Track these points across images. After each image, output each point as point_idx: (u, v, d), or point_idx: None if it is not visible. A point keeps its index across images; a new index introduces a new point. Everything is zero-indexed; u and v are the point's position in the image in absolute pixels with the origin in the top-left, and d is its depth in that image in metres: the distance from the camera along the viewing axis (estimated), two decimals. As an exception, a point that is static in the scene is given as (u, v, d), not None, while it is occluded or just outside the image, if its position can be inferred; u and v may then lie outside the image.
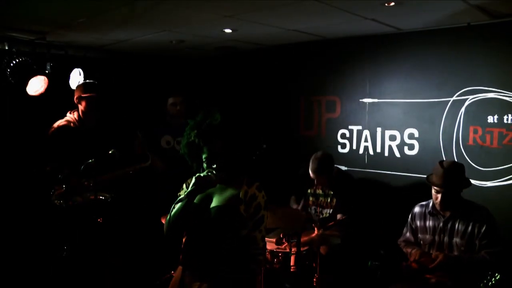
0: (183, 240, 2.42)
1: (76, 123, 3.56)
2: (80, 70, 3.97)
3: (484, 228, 2.72)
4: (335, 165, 3.85)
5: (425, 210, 2.98)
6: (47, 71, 3.77)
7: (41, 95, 3.70)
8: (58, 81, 3.80)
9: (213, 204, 2.33)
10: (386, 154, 3.96)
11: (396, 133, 3.89)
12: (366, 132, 4.08)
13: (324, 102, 4.37)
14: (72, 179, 3.21)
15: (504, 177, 3.31)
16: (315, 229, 3.19)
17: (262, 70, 4.88)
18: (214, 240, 2.28)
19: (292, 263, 3.13)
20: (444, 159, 3.48)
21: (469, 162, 3.44)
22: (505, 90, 3.28)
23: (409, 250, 2.99)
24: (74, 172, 3.15)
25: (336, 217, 3.61)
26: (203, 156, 2.35)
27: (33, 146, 3.75)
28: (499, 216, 2.88)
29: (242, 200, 2.30)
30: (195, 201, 2.29)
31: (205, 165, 2.36)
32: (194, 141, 2.35)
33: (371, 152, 4.05)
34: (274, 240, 3.20)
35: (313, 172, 3.58)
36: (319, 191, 3.79)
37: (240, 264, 2.27)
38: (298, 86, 4.57)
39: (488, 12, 3.08)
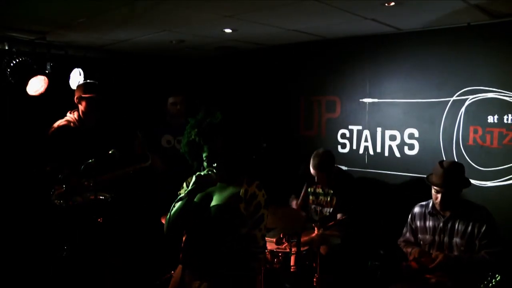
0: (183, 239, 2.42)
1: (76, 123, 3.56)
2: (80, 70, 3.97)
3: (484, 228, 2.72)
4: (336, 165, 3.85)
5: (425, 210, 2.98)
6: (47, 71, 3.77)
7: (41, 95, 3.70)
8: (58, 81, 3.80)
9: (213, 203, 2.33)
10: (386, 154, 3.96)
11: (396, 133, 3.89)
12: (366, 132, 4.08)
13: (324, 102, 4.37)
14: (72, 179, 3.21)
15: (504, 177, 3.31)
16: (315, 229, 3.19)
17: (262, 70, 4.88)
18: (214, 239, 2.28)
19: (292, 263, 3.13)
20: (444, 159, 3.48)
21: (469, 162, 3.44)
22: (505, 90, 3.28)
23: (409, 250, 2.99)
24: (74, 172, 3.15)
25: (336, 216, 3.61)
26: (204, 155, 2.35)
27: (33, 146, 3.75)
28: (499, 216, 2.89)
29: (242, 199, 2.30)
30: (195, 199, 2.29)
31: (205, 164, 2.35)
32: (194, 140, 2.35)
33: (371, 152, 4.05)
34: (274, 240, 3.20)
35: (314, 168, 3.58)
36: (319, 190, 3.79)
37: (240, 263, 2.27)
38: (298, 86, 4.57)
39: (488, 12, 3.08)
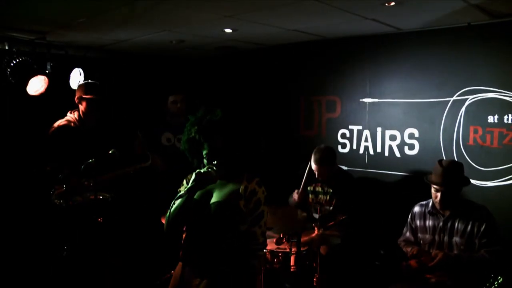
0: (183, 236, 2.42)
1: (77, 123, 3.56)
2: (80, 70, 3.97)
3: (483, 227, 2.72)
4: (337, 165, 3.85)
5: (425, 210, 2.98)
6: (47, 71, 3.77)
7: (41, 95, 3.70)
8: (58, 81, 3.80)
9: (213, 200, 2.33)
10: (387, 154, 3.96)
11: (396, 133, 3.90)
12: (366, 132, 4.08)
13: (324, 102, 4.37)
14: (72, 179, 3.21)
15: (504, 177, 3.31)
16: (315, 229, 3.18)
17: (262, 70, 4.88)
18: (214, 236, 2.28)
19: (292, 263, 3.13)
20: (444, 159, 3.48)
21: (469, 162, 3.44)
22: (505, 90, 3.28)
23: (408, 249, 2.99)
24: (74, 172, 3.15)
25: (336, 216, 3.61)
26: (204, 152, 2.35)
27: (33, 146, 3.75)
28: (499, 216, 2.88)
29: (242, 196, 2.30)
30: (195, 197, 2.29)
31: (205, 161, 2.35)
32: (194, 137, 2.35)
33: (371, 152, 4.05)
34: (274, 240, 3.20)
35: (316, 162, 3.59)
36: (319, 189, 3.79)
37: (240, 260, 2.27)
38: (298, 86, 4.57)
39: (488, 12, 3.08)
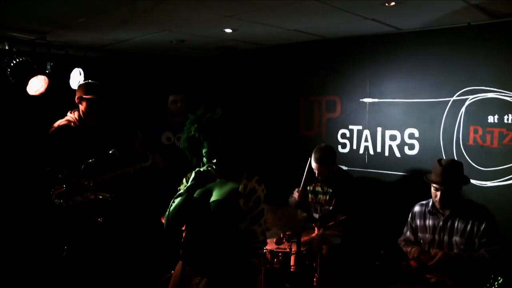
0: (183, 235, 2.42)
1: (77, 122, 3.56)
2: (80, 70, 3.98)
3: (483, 226, 2.72)
4: (337, 165, 3.85)
5: (425, 209, 2.98)
6: (47, 71, 3.78)
7: (42, 95, 3.70)
8: (58, 81, 3.80)
9: (213, 198, 2.32)
10: (387, 154, 3.96)
11: (396, 133, 3.90)
12: (366, 132, 4.08)
13: (324, 102, 4.37)
14: (72, 179, 3.21)
15: (504, 177, 3.31)
16: (315, 229, 3.18)
17: (262, 70, 4.88)
18: (214, 234, 2.27)
19: (292, 263, 3.13)
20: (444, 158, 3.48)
21: (469, 162, 3.44)
22: (505, 90, 3.28)
23: (408, 249, 2.99)
24: (74, 172, 3.15)
25: (336, 216, 3.61)
26: (203, 151, 2.34)
27: (33, 146, 3.75)
28: (499, 216, 2.88)
29: (242, 194, 2.29)
30: (195, 195, 2.29)
31: (205, 159, 2.35)
32: (194, 136, 2.33)
33: (371, 152, 4.05)
34: (274, 240, 3.20)
35: (316, 161, 3.59)
36: (318, 189, 3.79)
37: (240, 258, 2.26)
38: (298, 86, 4.57)
39: (488, 12, 3.08)
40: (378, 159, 4.00)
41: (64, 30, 3.57)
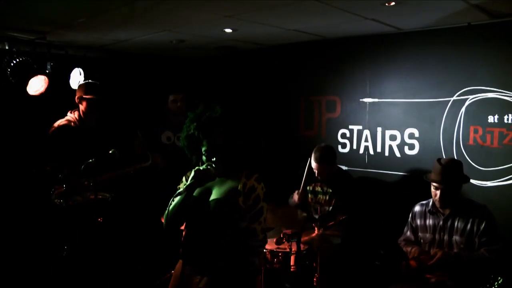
0: (183, 234, 2.41)
1: (77, 122, 3.56)
2: (81, 69, 3.98)
3: (483, 225, 2.72)
4: (338, 165, 3.85)
5: (425, 209, 2.99)
6: (47, 71, 3.78)
7: (42, 94, 3.70)
8: (58, 81, 3.80)
9: (212, 197, 2.32)
10: (387, 154, 3.96)
11: (396, 133, 3.90)
12: (366, 132, 4.08)
13: (324, 102, 4.37)
14: (72, 178, 3.21)
15: (504, 177, 3.31)
16: (315, 229, 3.19)
17: (262, 70, 4.88)
18: (213, 233, 2.27)
19: (292, 263, 3.13)
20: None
21: (469, 162, 3.44)
22: (505, 90, 3.28)
23: (408, 249, 2.99)
24: (74, 172, 3.15)
25: (336, 216, 3.61)
26: (203, 149, 2.33)
27: (34, 145, 3.75)
28: (499, 216, 2.88)
29: (241, 192, 2.29)
30: (194, 194, 2.28)
31: (204, 158, 2.34)
32: (193, 134, 2.32)
33: (371, 152, 4.05)
34: (274, 240, 3.20)
35: (315, 160, 3.59)
36: (318, 189, 3.79)
37: (240, 257, 2.26)
38: (298, 86, 4.57)
39: (488, 12, 3.08)
40: (378, 159, 4.00)
41: (64, 30, 3.57)
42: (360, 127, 4.12)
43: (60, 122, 3.54)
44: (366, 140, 4.08)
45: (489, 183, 3.38)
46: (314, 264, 3.14)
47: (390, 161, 3.93)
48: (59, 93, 3.77)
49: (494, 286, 2.03)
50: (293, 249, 3.10)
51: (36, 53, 3.79)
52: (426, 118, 3.71)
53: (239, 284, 2.26)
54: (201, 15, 3.14)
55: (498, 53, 3.31)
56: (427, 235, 2.93)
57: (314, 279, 3.08)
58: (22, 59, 3.57)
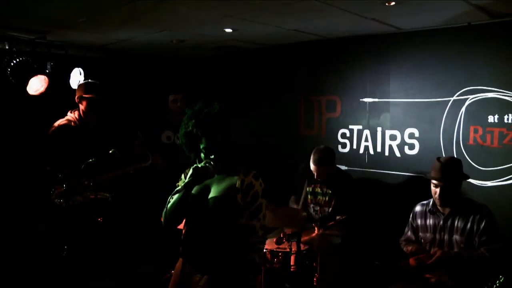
0: (183, 232, 2.41)
1: (77, 122, 3.57)
2: (81, 69, 3.98)
3: (483, 224, 2.72)
4: (336, 165, 3.85)
5: (425, 209, 2.99)
6: (47, 71, 3.78)
7: (42, 94, 3.70)
8: (58, 81, 3.80)
9: (211, 195, 2.31)
10: (387, 153, 3.96)
11: (396, 132, 3.89)
12: (366, 132, 4.08)
13: (324, 102, 4.37)
14: (72, 178, 3.21)
15: (504, 177, 3.31)
16: (315, 229, 3.18)
17: (262, 70, 4.87)
18: (213, 231, 2.27)
19: (292, 263, 3.13)
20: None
21: (469, 162, 3.44)
22: (505, 90, 3.28)
23: (408, 248, 3.00)
24: (74, 172, 3.15)
25: (335, 217, 3.61)
26: (201, 146, 2.31)
27: (34, 145, 3.75)
28: (499, 215, 2.88)
29: (239, 190, 2.28)
30: (193, 192, 2.27)
31: (203, 155, 2.33)
32: (192, 131, 2.30)
33: (371, 151, 4.05)
34: (274, 239, 3.20)
35: (314, 163, 3.58)
36: (318, 190, 3.79)
37: (240, 254, 2.26)
38: (298, 86, 4.57)
39: (488, 12, 3.08)
40: (378, 159, 4.00)
41: (64, 30, 3.57)
42: (360, 127, 4.12)
43: (60, 122, 3.55)
44: (366, 140, 4.08)
45: (489, 183, 3.38)
46: (314, 264, 3.14)
47: (390, 161, 3.93)
48: (59, 93, 3.77)
49: (495, 284, 2.02)
50: (293, 249, 3.09)
51: (36, 53, 3.79)
52: (426, 118, 3.71)
53: (239, 282, 2.25)
54: (201, 15, 3.14)
55: (498, 53, 3.31)
56: (428, 234, 2.94)
57: (314, 279, 3.08)
58: (22, 59, 3.57)
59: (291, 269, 3.13)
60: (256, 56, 4.84)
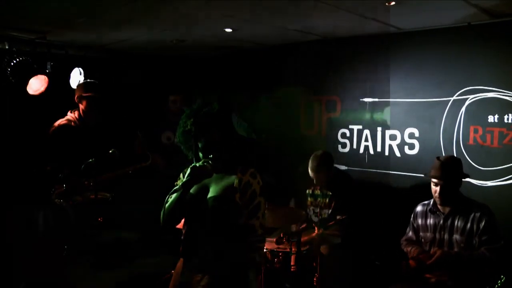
0: (183, 232, 2.41)
1: (77, 122, 3.57)
2: (81, 69, 3.97)
3: (483, 224, 2.72)
4: (335, 166, 3.85)
5: (426, 208, 2.99)
6: (47, 71, 3.77)
7: (42, 94, 3.70)
8: (58, 81, 3.80)
9: (210, 194, 2.29)
10: (387, 153, 3.96)
11: (396, 132, 3.89)
12: (366, 132, 4.08)
13: (324, 101, 4.37)
14: (72, 178, 3.21)
15: (504, 177, 3.31)
16: (315, 229, 3.18)
17: (262, 70, 4.87)
18: (212, 231, 2.26)
19: (292, 263, 3.13)
20: (444, 156, 3.49)
21: (469, 162, 3.44)
22: (505, 90, 3.28)
23: (409, 249, 3.00)
24: (75, 172, 3.15)
25: (335, 218, 3.61)
26: (200, 145, 2.29)
27: (34, 145, 3.75)
28: (499, 215, 2.88)
29: (237, 189, 2.27)
30: (191, 191, 2.26)
31: (201, 154, 2.31)
32: (190, 130, 2.28)
33: (371, 151, 4.05)
34: (274, 239, 3.20)
35: (312, 170, 3.58)
36: (318, 192, 3.78)
37: (240, 254, 2.25)
38: (298, 86, 4.57)
39: (488, 11, 3.08)
40: (378, 158, 4.00)
41: (64, 30, 3.58)
42: (360, 127, 4.11)
43: (60, 121, 3.54)
44: (366, 140, 4.08)
45: (489, 183, 3.38)
46: (314, 264, 3.14)
47: (390, 161, 3.93)
48: (59, 93, 3.77)
49: (497, 284, 2.02)
50: (293, 249, 3.09)
51: (36, 53, 3.79)
52: (426, 118, 3.71)
53: (240, 281, 2.25)
54: (201, 14, 3.14)
55: (498, 53, 3.31)
56: (428, 234, 2.94)
57: (314, 279, 3.08)
58: (22, 58, 3.57)
59: (291, 269, 3.13)
60: (256, 56, 4.84)
